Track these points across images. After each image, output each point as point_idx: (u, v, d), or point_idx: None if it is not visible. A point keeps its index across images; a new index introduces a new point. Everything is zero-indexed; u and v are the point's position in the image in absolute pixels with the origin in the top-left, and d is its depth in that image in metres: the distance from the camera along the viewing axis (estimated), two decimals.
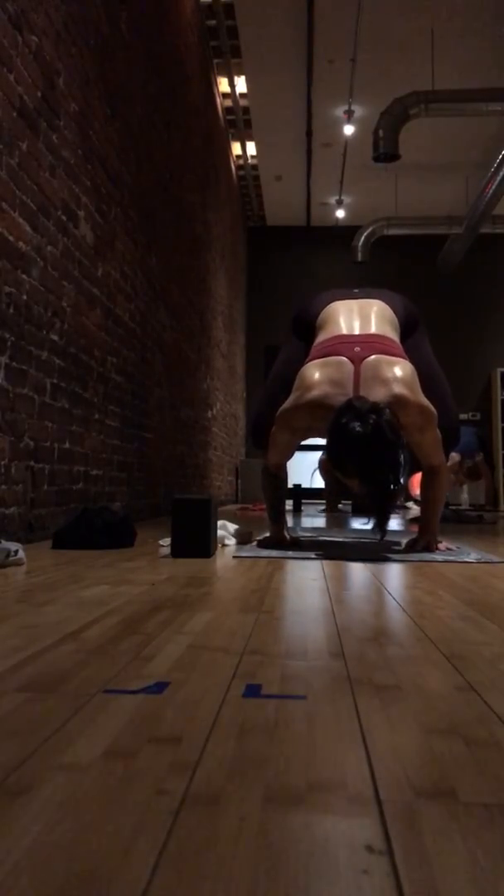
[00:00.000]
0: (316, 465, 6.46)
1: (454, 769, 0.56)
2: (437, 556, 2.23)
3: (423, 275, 11.04)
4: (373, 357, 2.29)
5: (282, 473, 2.60)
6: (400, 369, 2.27)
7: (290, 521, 2.89)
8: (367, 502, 2.18)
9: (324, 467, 6.38)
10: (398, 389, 2.23)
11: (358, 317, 2.48)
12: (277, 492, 2.61)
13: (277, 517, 2.61)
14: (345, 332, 2.42)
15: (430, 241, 10.28)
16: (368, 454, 2.04)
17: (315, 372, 2.32)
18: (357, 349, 2.32)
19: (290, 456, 2.57)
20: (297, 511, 6.28)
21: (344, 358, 2.30)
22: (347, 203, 10.46)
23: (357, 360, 2.29)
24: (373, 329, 2.42)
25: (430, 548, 2.41)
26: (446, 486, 2.58)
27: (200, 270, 6.71)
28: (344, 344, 2.36)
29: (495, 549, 2.58)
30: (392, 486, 2.09)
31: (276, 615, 1.22)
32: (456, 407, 2.79)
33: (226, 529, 2.64)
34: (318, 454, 6.47)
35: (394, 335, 2.45)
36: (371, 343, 2.34)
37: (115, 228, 3.79)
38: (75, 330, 3.13)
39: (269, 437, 2.51)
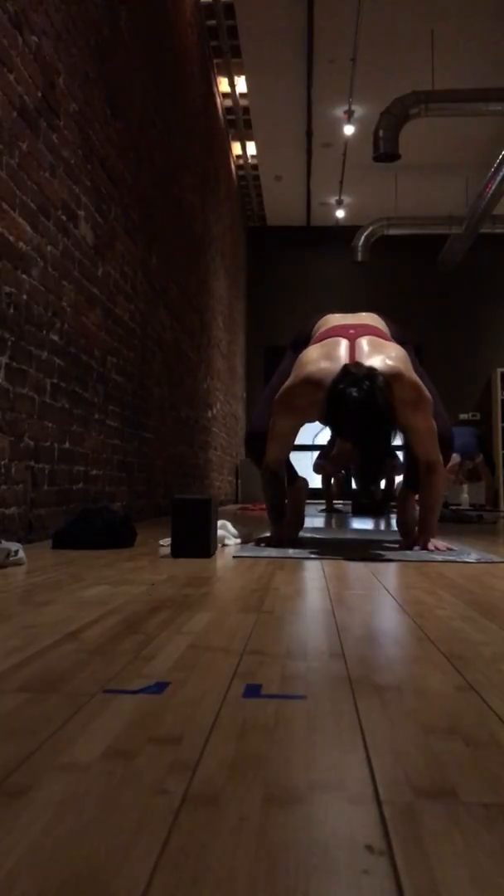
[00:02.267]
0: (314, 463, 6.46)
1: (454, 769, 0.56)
2: (437, 556, 2.23)
3: (423, 275, 11.04)
4: (367, 337, 2.40)
5: (281, 472, 2.60)
6: (393, 350, 2.38)
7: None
8: (361, 465, 2.28)
9: (320, 469, 6.39)
10: (392, 363, 2.31)
11: (352, 318, 2.61)
12: (277, 491, 2.62)
13: (278, 517, 2.61)
14: (340, 324, 2.54)
15: (430, 241, 10.28)
16: (362, 418, 2.15)
17: (312, 352, 2.42)
18: (352, 331, 2.44)
19: (288, 449, 2.59)
20: None
21: (339, 337, 2.41)
22: (347, 203, 10.45)
23: (352, 339, 2.40)
24: (365, 322, 2.55)
25: (430, 547, 2.42)
26: (444, 484, 2.59)
27: (200, 270, 6.71)
28: (339, 328, 2.48)
29: (495, 549, 2.58)
30: (383, 448, 2.23)
31: (276, 615, 1.22)
32: (447, 416, 2.85)
33: (226, 529, 2.65)
34: (316, 454, 6.48)
35: (386, 333, 2.56)
36: (365, 328, 2.47)
37: (115, 228, 3.79)
38: (75, 330, 3.13)
39: (266, 440, 2.53)
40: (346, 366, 2.25)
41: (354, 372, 2.20)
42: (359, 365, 2.26)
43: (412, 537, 2.65)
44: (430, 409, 2.37)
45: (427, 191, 10.06)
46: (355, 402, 2.13)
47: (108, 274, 3.63)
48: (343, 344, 2.37)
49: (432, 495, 2.50)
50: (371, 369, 2.22)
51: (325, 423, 2.32)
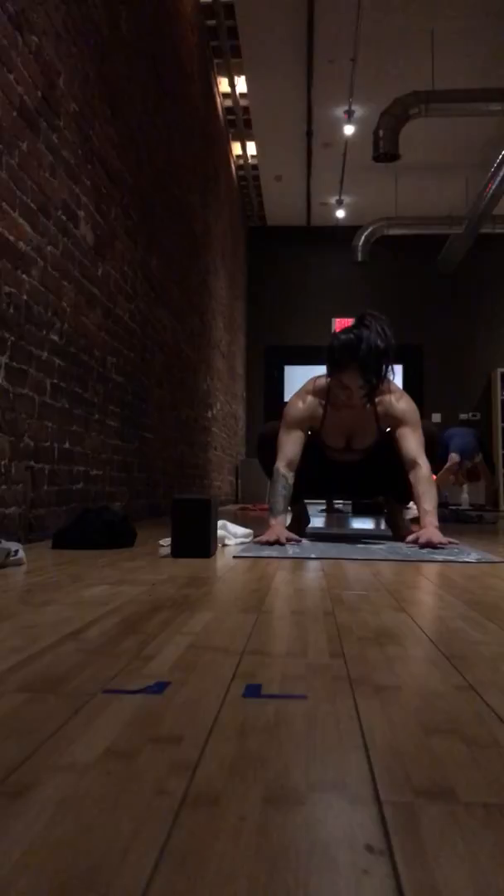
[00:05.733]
0: None
1: (454, 769, 0.56)
2: (437, 556, 2.23)
3: (423, 275, 11.04)
4: None
5: (291, 474, 2.66)
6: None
7: (288, 521, 2.95)
8: (363, 388, 2.56)
9: None
10: (396, 390, 2.74)
11: None
12: (284, 491, 2.65)
13: (279, 512, 2.63)
14: None
15: (430, 241, 10.28)
16: (360, 338, 2.48)
17: (322, 376, 2.76)
18: None
19: (300, 445, 2.75)
20: None
21: None
22: (347, 203, 10.45)
23: None
24: None
25: (433, 542, 2.41)
26: (433, 480, 2.73)
27: (200, 270, 6.71)
28: None
29: (495, 549, 2.58)
30: (381, 354, 2.51)
31: (276, 615, 1.22)
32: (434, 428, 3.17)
33: (226, 529, 2.64)
34: None
35: None
36: None
37: (115, 228, 3.79)
38: (75, 330, 3.13)
39: (276, 446, 2.77)
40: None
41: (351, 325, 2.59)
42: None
43: (408, 532, 2.75)
44: (419, 423, 2.72)
45: (427, 191, 10.06)
46: (351, 334, 2.51)
47: (108, 274, 3.63)
48: None
49: (425, 490, 2.57)
50: (367, 311, 2.59)
51: (329, 367, 2.59)
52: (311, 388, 2.78)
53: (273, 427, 2.88)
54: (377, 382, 2.57)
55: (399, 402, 2.72)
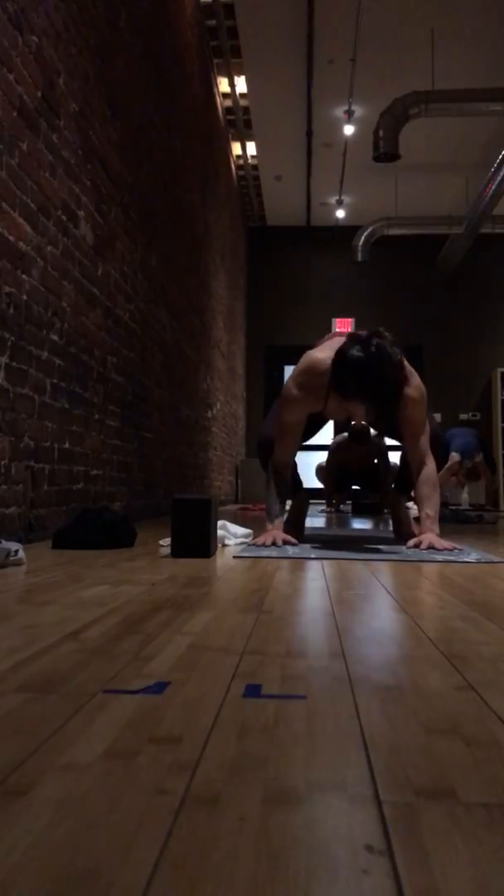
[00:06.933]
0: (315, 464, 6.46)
1: (454, 769, 0.56)
2: (437, 556, 2.23)
3: (423, 275, 11.03)
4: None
5: (286, 474, 2.64)
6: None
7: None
8: (370, 418, 2.40)
9: (321, 472, 6.40)
10: (405, 361, 2.49)
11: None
12: (280, 492, 2.63)
13: (276, 515, 2.62)
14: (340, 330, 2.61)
15: (430, 241, 10.28)
16: (370, 373, 2.26)
17: (315, 349, 2.59)
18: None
19: (295, 447, 2.66)
20: None
21: (341, 337, 2.50)
22: (347, 203, 10.45)
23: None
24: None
25: (434, 545, 2.40)
26: (438, 482, 2.64)
27: (200, 270, 6.71)
28: (340, 332, 2.62)
29: (495, 549, 2.58)
30: (391, 396, 2.37)
31: (276, 615, 1.22)
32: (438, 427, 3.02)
33: (226, 529, 2.64)
34: (318, 455, 6.48)
35: None
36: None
37: (115, 228, 3.79)
38: (75, 330, 3.13)
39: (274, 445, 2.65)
40: (350, 333, 2.40)
41: (360, 335, 2.34)
42: (363, 331, 2.38)
43: (410, 532, 2.73)
44: (425, 401, 2.57)
45: (427, 191, 10.05)
46: (361, 360, 2.25)
47: (108, 274, 3.63)
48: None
49: (429, 492, 2.53)
50: (377, 330, 2.35)
51: (332, 388, 2.41)
52: (313, 370, 2.51)
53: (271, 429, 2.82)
54: (385, 424, 2.42)
55: (415, 410, 2.53)
